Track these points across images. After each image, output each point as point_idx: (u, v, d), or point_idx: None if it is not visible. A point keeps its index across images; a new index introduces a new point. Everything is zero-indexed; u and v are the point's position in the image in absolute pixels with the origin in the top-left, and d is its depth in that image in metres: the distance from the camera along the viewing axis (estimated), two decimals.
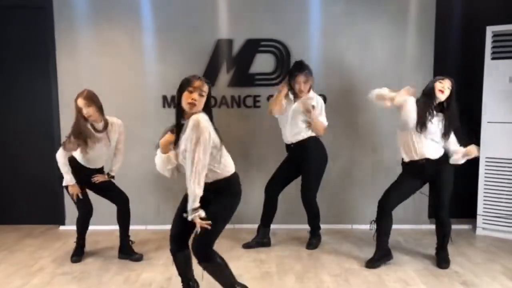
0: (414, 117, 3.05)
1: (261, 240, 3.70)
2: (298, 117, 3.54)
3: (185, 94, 2.32)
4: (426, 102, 3.09)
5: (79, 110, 3.21)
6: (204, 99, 2.36)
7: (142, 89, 4.13)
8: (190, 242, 2.50)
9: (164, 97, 4.13)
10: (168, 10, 4.05)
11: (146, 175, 4.08)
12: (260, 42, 4.07)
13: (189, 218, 2.29)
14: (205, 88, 2.35)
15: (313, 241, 3.68)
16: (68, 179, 3.31)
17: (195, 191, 2.26)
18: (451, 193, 3.22)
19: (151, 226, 4.16)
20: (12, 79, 4.22)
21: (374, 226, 3.33)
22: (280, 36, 4.06)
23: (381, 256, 3.28)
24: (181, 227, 2.50)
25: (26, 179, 4.31)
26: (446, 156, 3.20)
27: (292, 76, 3.56)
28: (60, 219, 4.25)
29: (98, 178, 3.40)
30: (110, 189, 3.46)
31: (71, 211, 4.13)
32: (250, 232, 3.83)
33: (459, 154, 3.14)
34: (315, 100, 3.57)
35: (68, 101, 4.02)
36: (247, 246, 3.68)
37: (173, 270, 2.67)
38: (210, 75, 4.01)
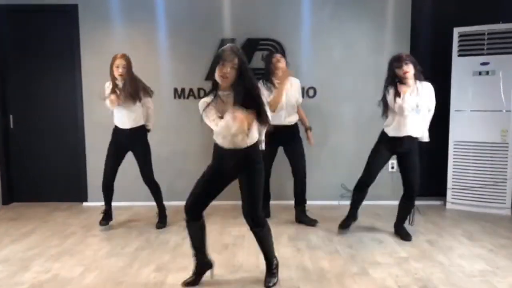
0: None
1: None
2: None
3: (217, 68, 2.46)
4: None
5: (116, 67, 3.70)
6: (234, 72, 2.43)
7: (156, 82, 4.63)
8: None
9: (175, 90, 4.71)
10: (179, 13, 4.63)
11: (160, 157, 4.62)
12: (259, 41, 4.64)
13: None
14: (235, 61, 2.42)
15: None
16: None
17: None
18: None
19: (164, 202, 4.73)
20: (41, 74, 4.75)
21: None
22: (276, 36, 4.64)
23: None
24: (201, 198, 2.69)
25: (53, 162, 4.84)
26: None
27: (270, 62, 3.91)
28: (83, 197, 4.82)
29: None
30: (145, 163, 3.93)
31: (93, 189, 4.75)
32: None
33: None
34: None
35: (91, 93, 4.64)
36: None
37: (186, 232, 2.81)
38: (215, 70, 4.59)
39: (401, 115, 3.40)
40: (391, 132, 3.52)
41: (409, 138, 3.48)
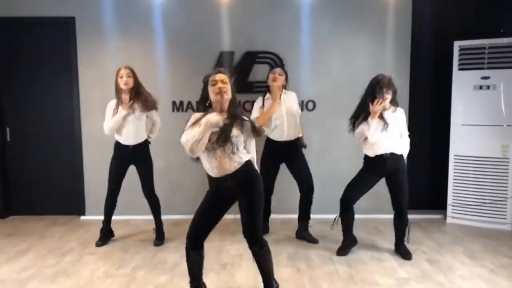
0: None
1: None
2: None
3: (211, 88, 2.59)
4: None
5: (120, 77, 3.68)
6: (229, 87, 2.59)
7: (153, 95, 4.65)
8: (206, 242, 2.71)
9: (173, 103, 4.67)
10: (177, 25, 4.57)
11: (158, 170, 4.56)
12: (258, 54, 4.59)
13: None
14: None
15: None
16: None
17: None
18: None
19: (162, 216, 4.69)
20: (38, 87, 4.70)
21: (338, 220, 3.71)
22: (275, 49, 4.59)
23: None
24: (203, 225, 2.66)
25: (50, 175, 4.78)
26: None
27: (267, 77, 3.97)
28: (81, 210, 4.76)
29: None
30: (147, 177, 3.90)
31: (91, 203, 4.71)
32: None
33: None
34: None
35: (88, 104, 4.61)
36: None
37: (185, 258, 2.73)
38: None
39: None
40: (369, 152, 3.52)
41: (392, 156, 3.44)
